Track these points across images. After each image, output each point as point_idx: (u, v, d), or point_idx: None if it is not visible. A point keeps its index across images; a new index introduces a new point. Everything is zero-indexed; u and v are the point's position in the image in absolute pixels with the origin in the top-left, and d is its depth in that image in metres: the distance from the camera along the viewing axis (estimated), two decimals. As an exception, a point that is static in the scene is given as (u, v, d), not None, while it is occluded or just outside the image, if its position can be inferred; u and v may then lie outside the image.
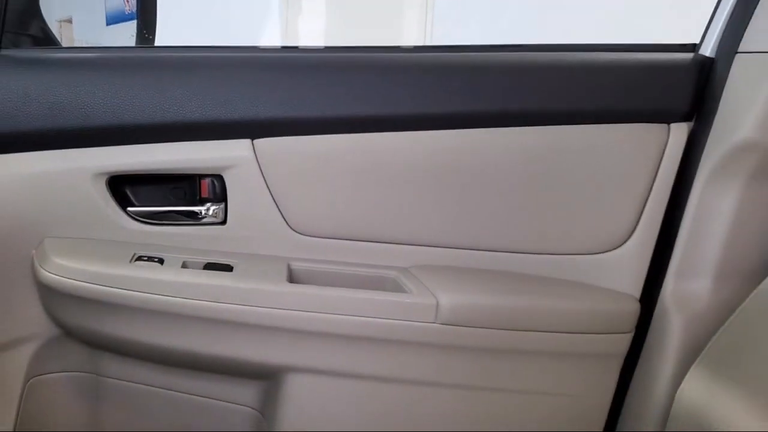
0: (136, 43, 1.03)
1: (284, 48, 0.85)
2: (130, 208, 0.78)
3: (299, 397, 0.77)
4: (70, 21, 4.26)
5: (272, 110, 0.76)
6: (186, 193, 0.80)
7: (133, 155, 0.76)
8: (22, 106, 0.73)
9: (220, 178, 0.78)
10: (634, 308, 0.80)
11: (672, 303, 0.78)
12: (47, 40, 0.90)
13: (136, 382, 0.84)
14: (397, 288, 0.77)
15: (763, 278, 0.67)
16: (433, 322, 0.74)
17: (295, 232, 0.80)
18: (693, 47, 0.84)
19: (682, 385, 0.70)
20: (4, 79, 0.73)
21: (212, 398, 0.83)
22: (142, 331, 0.74)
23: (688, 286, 0.78)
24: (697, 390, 0.69)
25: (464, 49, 0.84)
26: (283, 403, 0.78)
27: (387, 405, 0.77)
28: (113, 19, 3.92)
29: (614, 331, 0.79)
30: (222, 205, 0.79)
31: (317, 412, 0.78)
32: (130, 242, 0.78)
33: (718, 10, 0.83)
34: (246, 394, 0.82)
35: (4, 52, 0.79)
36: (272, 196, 0.78)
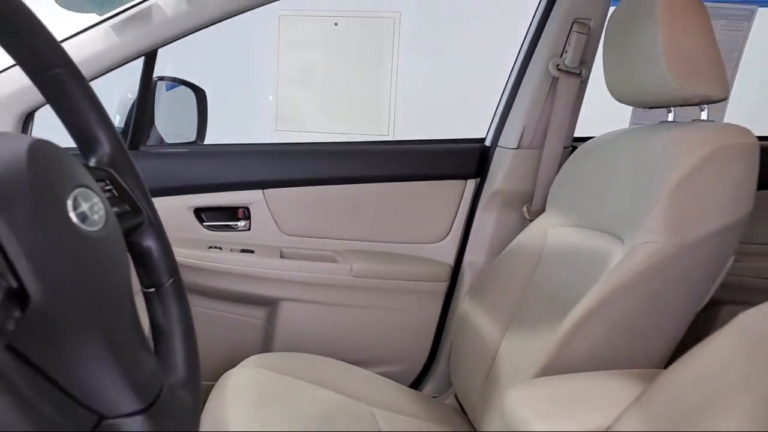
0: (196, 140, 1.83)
1: (278, 144, 1.69)
2: (204, 223, 1.61)
3: (287, 314, 1.60)
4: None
5: (271, 176, 1.60)
6: (231, 216, 1.63)
7: (208, 198, 1.59)
8: (159, 178, 1.56)
9: (247, 209, 1.61)
10: (448, 269, 1.64)
11: (466, 267, 1.63)
12: (157, 139, 1.72)
13: (196, 307, 1.66)
14: (334, 260, 1.61)
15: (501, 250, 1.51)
16: (349, 276, 1.58)
17: (284, 233, 1.63)
18: (482, 140, 1.69)
19: (463, 304, 1.55)
20: (150, 165, 1.56)
21: (240, 316, 1.66)
22: (211, 281, 1.57)
23: (473, 258, 1.63)
24: (470, 306, 1.53)
25: (377, 143, 1.69)
26: (278, 318, 1.61)
27: (328, 315, 1.61)
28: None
29: (438, 280, 1.63)
30: (248, 222, 1.62)
31: (296, 321, 1.61)
32: (204, 240, 1.61)
33: (494, 118, 1.68)
34: (259, 313, 1.65)
35: (143, 148, 1.61)
36: (272, 215, 1.61)
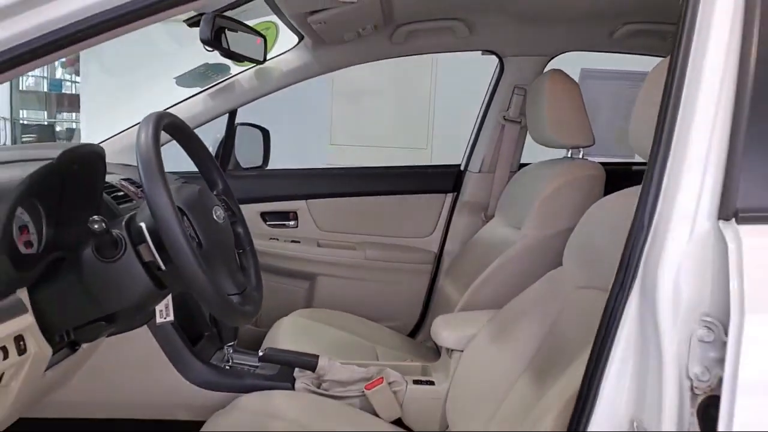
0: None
1: (315, 169, 2.45)
2: (267, 222, 2.37)
3: (321, 284, 2.35)
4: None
5: (311, 191, 2.35)
6: (284, 217, 2.39)
7: (269, 206, 2.35)
8: (237, 192, 2.33)
9: (295, 212, 2.36)
10: (433, 255, 2.36)
11: (445, 254, 2.35)
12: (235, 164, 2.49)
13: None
14: (353, 248, 2.35)
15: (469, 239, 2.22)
16: (363, 259, 2.31)
17: (320, 230, 2.37)
18: (458, 165, 2.40)
19: (441, 279, 2.26)
20: (231, 183, 2.33)
21: (290, 285, 2.40)
22: (271, 261, 2.32)
23: (450, 248, 2.34)
24: (445, 280, 2.23)
25: (382, 168, 2.43)
26: (316, 287, 2.35)
27: (349, 285, 2.35)
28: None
29: (426, 263, 2.35)
30: (296, 221, 2.37)
31: (328, 289, 2.35)
32: (266, 233, 2.36)
33: (466, 149, 2.38)
34: (302, 284, 2.39)
35: (227, 171, 2.39)
36: (312, 217, 2.36)
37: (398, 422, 1.53)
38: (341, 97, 5.47)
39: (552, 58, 2.22)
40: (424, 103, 5.54)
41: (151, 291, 1.10)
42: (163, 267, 1.06)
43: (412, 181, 2.37)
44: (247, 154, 2.50)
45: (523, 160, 2.31)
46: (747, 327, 0.70)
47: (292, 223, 2.39)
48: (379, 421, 1.48)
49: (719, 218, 0.77)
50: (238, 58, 1.72)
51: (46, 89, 8.07)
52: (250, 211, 2.35)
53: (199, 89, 2.18)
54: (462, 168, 2.39)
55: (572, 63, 2.18)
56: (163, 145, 1.06)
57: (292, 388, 1.55)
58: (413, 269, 2.36)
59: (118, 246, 1.07)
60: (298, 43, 2.12)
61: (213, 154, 2.48)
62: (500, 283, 1.76)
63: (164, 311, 1.32)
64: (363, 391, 1.51)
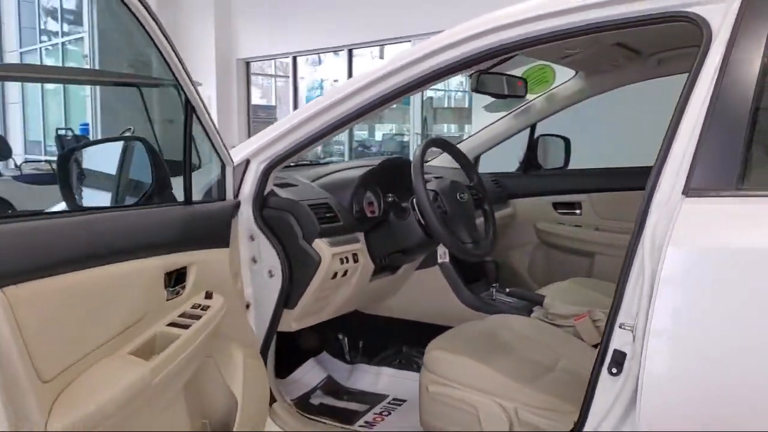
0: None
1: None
2: (557, 210, 3.08)
3: (599, 261, 2.95)
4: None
5: (596, 186, 2.98)
6: (571, 206, 3.06)
7: (559, 198, 3.06)
8: (530, 188, 3.11)
9: (580, 203, 3.01)
10: None
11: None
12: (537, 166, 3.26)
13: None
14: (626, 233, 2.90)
15: None
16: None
17: (600, 217, 2.98)
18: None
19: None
20: (538, 180, 3.12)
21: (569, 259, 3.06)
22: (559, 241, 3.02)
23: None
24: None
25: None
26: (594, 265, 2.97)
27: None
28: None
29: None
30: (581, 210, 3.02)
31: (604, 266, 2.94)
32: (556, 219, 3.07)
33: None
34: (582, 261, 3.03)
35: (532, 173, 3.17)
36: (592, 207, 2.98)
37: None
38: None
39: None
40: None
41: (422, 238, 2.00)
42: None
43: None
44: (549, 158, 3.24)
45: None
46: None
47: (577, 212, 3.05)
48: (581, 343, 2.11)
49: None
50: (503, 97, 2.52)
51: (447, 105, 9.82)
52: (544, 202, 3.11)
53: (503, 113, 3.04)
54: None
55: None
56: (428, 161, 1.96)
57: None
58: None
59: (406, 212, 2.00)
60: (575, 75, 2.79)
61: (521, 159, 3.30)
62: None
63: (443, 255, 2.22)
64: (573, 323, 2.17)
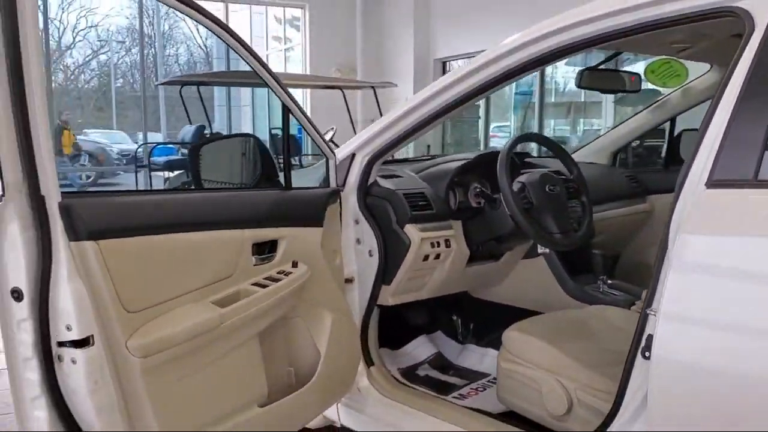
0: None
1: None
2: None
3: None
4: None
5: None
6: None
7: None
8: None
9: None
10: None
11: None
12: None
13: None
14: None
15: None
16: None
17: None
18: None
19: None
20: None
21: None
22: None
23: None
24: None
25: None
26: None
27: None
28: None
29: None
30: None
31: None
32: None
33: None
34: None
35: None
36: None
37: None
38: None
39: None
40: None
41: (513, 227, 2.15)
42: None
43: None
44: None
45: None
46: None
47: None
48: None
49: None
50: (613, 92, 2.53)
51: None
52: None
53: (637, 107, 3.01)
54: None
55: None
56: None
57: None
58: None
59: (497, 203, 2.17)
60: (710, 68, 2.70)
61: (663, 154, 3.24)
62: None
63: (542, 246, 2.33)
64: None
